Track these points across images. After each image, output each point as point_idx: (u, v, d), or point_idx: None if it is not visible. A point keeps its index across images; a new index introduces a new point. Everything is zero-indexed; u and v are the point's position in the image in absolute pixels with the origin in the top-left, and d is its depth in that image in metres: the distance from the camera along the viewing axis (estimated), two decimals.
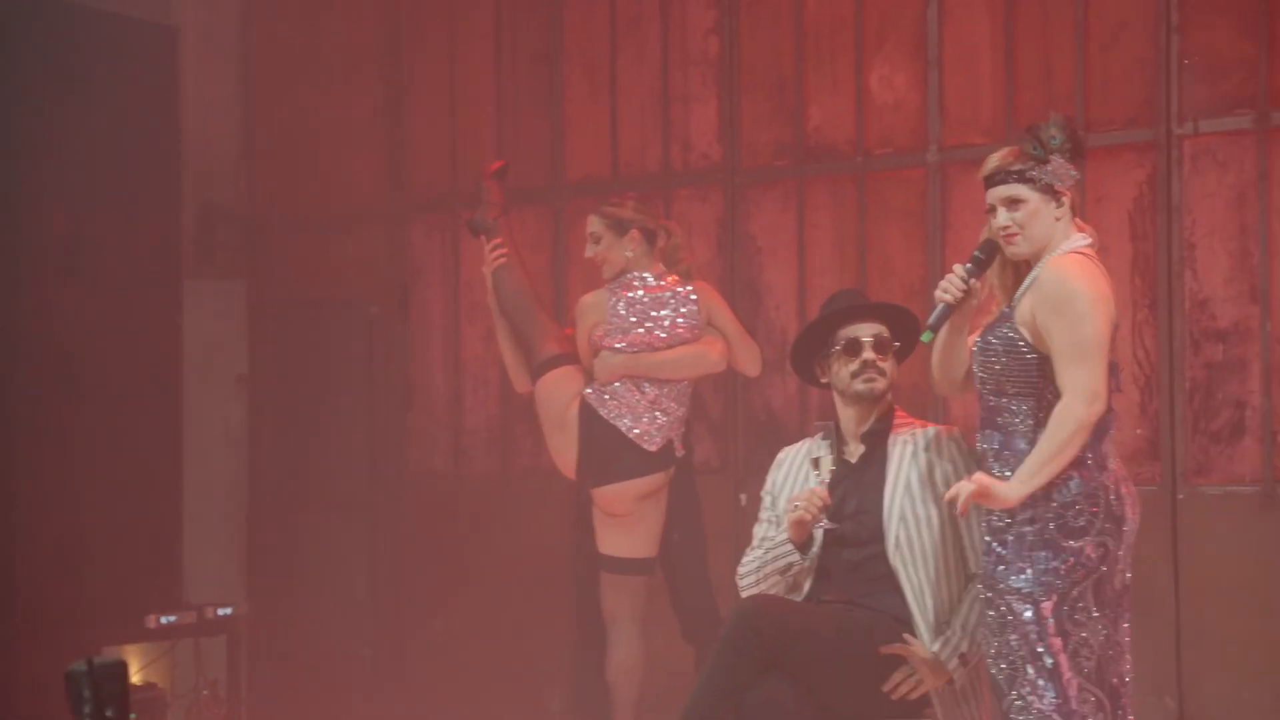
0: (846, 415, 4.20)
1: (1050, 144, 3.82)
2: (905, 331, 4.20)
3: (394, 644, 7.06)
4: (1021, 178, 3.83)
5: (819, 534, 4.04)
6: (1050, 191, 3.82)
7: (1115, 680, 3.81)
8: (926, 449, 4.10)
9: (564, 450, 5.41)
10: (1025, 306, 3.81)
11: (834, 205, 6.10)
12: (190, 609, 6.23)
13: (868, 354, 4.16)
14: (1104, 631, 3.77)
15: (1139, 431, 5.44)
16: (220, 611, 6.32)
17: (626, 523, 5.30)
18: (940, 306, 3.89)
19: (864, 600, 4.03)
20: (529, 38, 6.78)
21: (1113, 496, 3.79)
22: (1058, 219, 3.84)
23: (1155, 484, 5.39)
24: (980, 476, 3.75)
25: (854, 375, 4.15)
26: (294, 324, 7.39)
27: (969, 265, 3.90)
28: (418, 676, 6.91)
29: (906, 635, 3.95)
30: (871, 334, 4.18)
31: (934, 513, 4.02)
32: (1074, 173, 3.85)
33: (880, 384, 4.15)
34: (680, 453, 5.39)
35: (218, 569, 7.22)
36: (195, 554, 7.04)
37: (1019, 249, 3.86)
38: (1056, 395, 3.73)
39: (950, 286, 3.88)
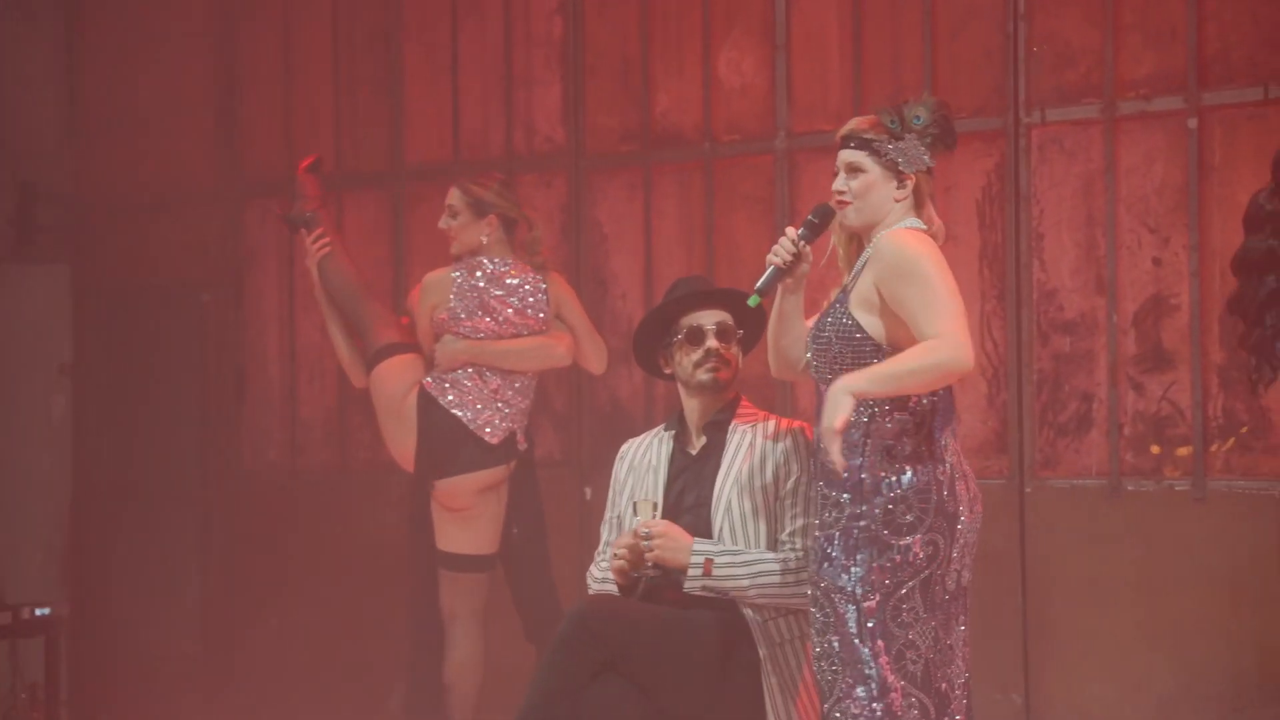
0: (690, 406, 4.06)
1: (911, 122, 3.66)
2: (750, 320, 4.06)
3: (224, 643, 6.80)
4: (868, 147, 3.66)
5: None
6: (894, 169, 3.65)
7: (944, 685, 3.63)
8: (763, 441, 3.96)
9: (401, 442, 5.21)
10: (864, 285, 3.65)
11: (681, 192, 5.96)
12: (5, 609, 5.92)
13: (711, 342, 4.02)
14: (933, 634, 3.60)
15: (987, 424, 5.38)
16: (38, 612, 6.01)
17: (466, 517, 5.12)
18: (770, 270, 3.71)
19: (705, 599, 3.89)
20: (368, 15, 6.56)
21: (945, 493, 3.60)
22: (897, 200, 3.67)
23: (1003, 477, 5.33)
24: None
25: (697, 365, 4.01)
26: (122, 310, 7.10)
27: (801, 229, 3.74)
28: (249, 676, 6.66)
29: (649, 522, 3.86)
30: (715, 322, 4.04)
31: (761, 505, 3.89)
32: (926, 158, 3.67)
33: (724, 373, 4.01)
34: (522, 446, 5.22)
35: (39, 567, 6.90)
36: (14, 552, 6.73)
37: (848, 218, 3.69)
38: None
39: (781, 250, 3.70)
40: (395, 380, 5.22)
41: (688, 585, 3.82)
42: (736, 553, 3.83)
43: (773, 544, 3.87)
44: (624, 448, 4.16)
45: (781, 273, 3.71)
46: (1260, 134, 4.85)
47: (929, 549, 3.58)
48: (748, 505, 3.88)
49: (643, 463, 4.04)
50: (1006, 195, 5.32)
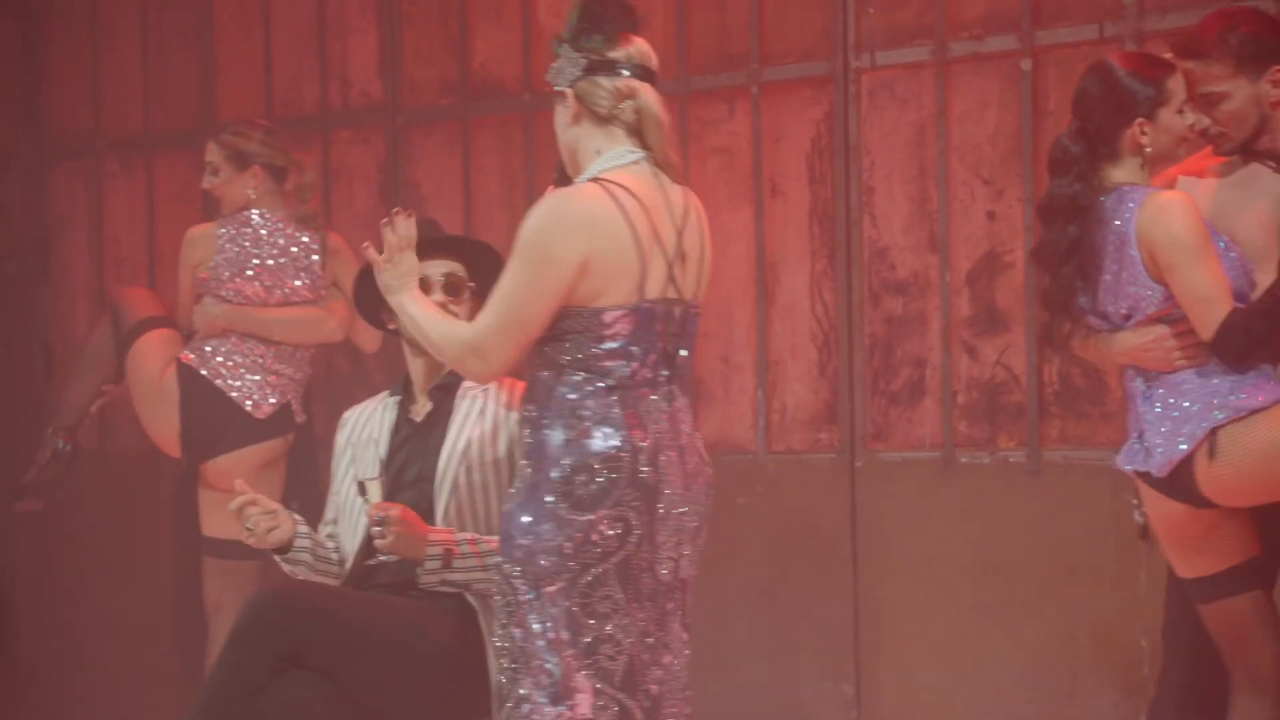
0: (415, 367, 3.65)
1: (564, 33, 3.17)
2: (485, 270, 3.64)
3: None
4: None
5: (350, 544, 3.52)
6: (559, 94, 3.18)
7: (655, 686, 3.15)
8: (496, 407, 3.55)
9: (163, 424, 4.79)
10: None
11: (501, 148, 5.56)
12: None
13: (437, 295, 3.60)
14: (641, 628, 3.12)
15: (817, 394, 5.00)
16: None
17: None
18: None
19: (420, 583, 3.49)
20: None
21: (644, 466, 3.12)
22: (571, 123, 3.18)
23: (833, 451, 4.95)
24: None
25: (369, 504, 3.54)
26: None
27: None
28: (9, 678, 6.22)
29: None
30: (442, 273, 3.62)
31: (491, 479, 3.48)
32: (583, 60, 3.11)
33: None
34: (300, 419, 4.81)
35: None
36: None
37: (566, 163, 3.27)
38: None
39: None
40: (153, 356, 4.81)
41: (423, 580, 3.41)
42: (479, 541, 3.41)
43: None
44: (345, 415, 3.75)
45: None
46: None
47: (618, 526, 3.10)
48: (476, 480, 3.47)
49: (363, 433, 3.62)
50: (836, 146, 4.94)
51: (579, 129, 3.19)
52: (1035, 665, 4.61)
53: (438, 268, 3.62)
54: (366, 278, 3.67)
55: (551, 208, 3.14)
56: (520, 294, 3.07)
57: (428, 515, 3.48)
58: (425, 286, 3.55)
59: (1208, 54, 3.39)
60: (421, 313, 3.20)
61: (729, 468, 5.05)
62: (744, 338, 5.10)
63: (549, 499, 3.06)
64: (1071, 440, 4.59)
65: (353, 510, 3.56)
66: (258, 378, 4.74)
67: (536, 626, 3.06)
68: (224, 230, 4.82)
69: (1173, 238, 3.32)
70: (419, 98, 5.67)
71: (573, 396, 3.13)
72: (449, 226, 5.58)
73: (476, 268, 3.62)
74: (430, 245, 3.62)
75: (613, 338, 3.13)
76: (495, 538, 3.33)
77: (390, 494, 3.53)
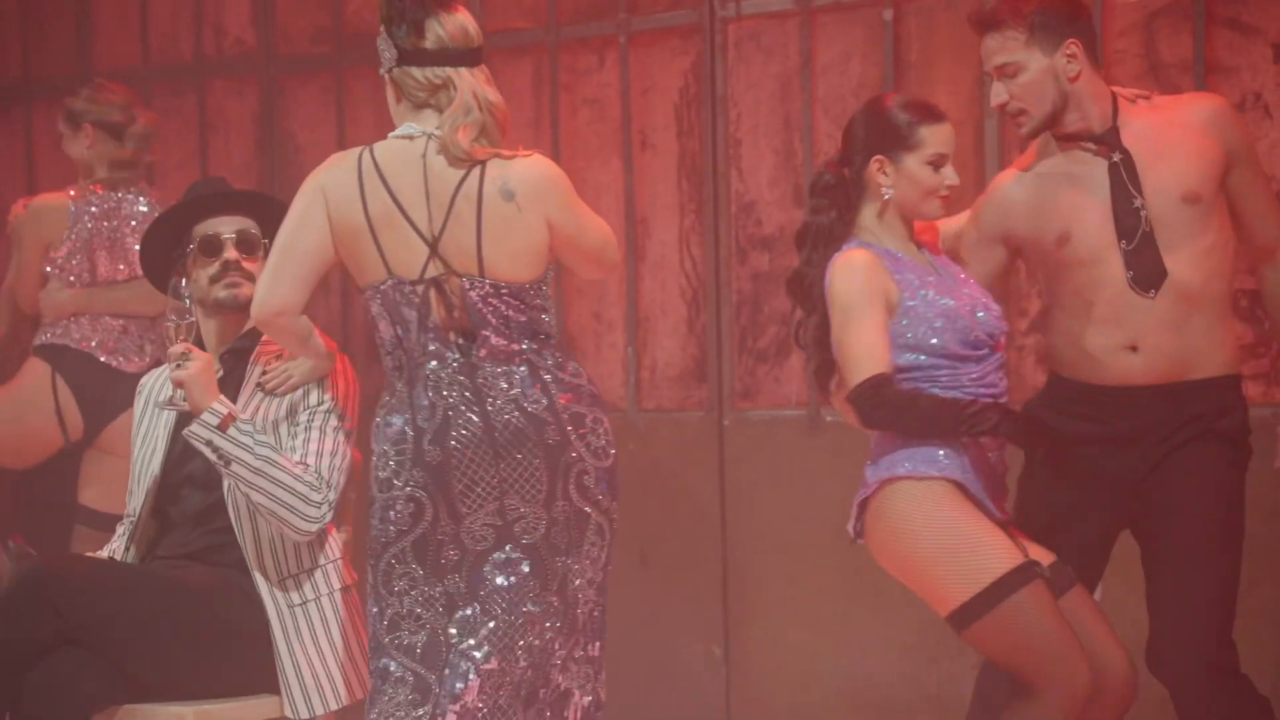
0: (208, 329, 3.54)
1: (380, 17, 3.25)
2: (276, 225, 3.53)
3: None
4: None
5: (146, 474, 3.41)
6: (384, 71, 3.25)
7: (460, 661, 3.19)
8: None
9: (35, 421, 4.67)
10: None
11: (376, 98, 5.38)
12: None
13: (229, 253, 3.50)
14: (445, 601, 3.18)
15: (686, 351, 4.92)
16: None
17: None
18: None
19: (206, 556, 3.40)
20: None
21: (428, 443, 3.18)
22: (395, 104, 3.27)
23: (702, 409, 4.87)
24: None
25: (213, 280, 3.49)
26: None
27: None
28: None
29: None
30: (235, 230, 3.52)
31: (275, 441, 3.38)
32: (394, 50, 3.20)
33: (245, 289, 3.48)
34: None
35: None
36: None
37: None
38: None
39: None
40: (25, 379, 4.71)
41: (194, 429, 3.28)
42: (259, 438, 3.29)
43: None
44: (143, 380, 3.64)
45: None
46: (957, 26, 4.35)
47: (410, 506, 3.17)
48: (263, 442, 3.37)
49: (159, 398, 3.52)
50: (704, 98, 4.83)
51: (400, 108, 3.29)
52: (899, 626, 4.55)
53: (231, 224, 3.51)
54: (150, 239, 3.58)
55: (312, 173, 3.29)
56: (285, 238, 3.21)
57: (216, 487, 3.38)
58: (215, 245, 3.48)
59: (1002, 24, 3.28)
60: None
61: None
62: (615, 293, 5.01)
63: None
64: None
65: (149, 466, 3.47)
66: (127, 342, 4.65)
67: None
68: (74, 208, 4.70)
69: (833, 298, 3.27)
70: (293, 46, 5.55)
71: (384, 369, 3.29)
72: None
73: (270, 224, 3.50)
74: (218, 201, 3.53)
75: (379, 317, 3.23)
76: (270, 441, 3.34)
77: (179, 465, 3.44)
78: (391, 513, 3.17)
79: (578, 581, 3.29)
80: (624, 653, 4.93)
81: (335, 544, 3.43)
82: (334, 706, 3.35)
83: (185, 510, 3.41)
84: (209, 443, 3.26)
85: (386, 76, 3.28)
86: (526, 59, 5.12)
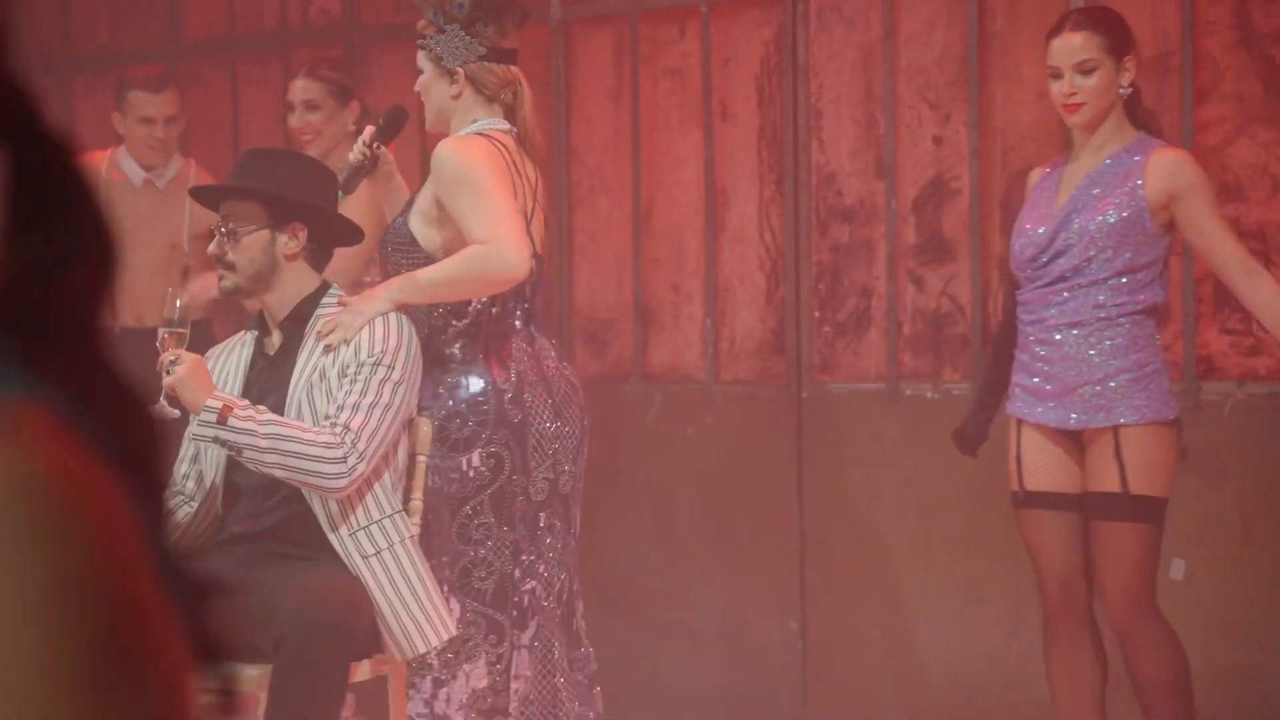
0: (268, 301, 3.53)
1: (455, 13, 3.51)
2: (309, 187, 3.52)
3: None
4: (421, 45, 3.59)
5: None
6: (443, 66, 3.55)
7: (523, 598, 3.56)
8: None
9: None
10: (425, 197, 3.56)
11: None
12: None
13: (213, 247, 3.44)
14: (512, 548, 3.52)
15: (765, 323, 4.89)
16: None
17: None
18: (350, 169, 3.63)
19: (272, 529, 3.39)
20: None
21: (508, 403, 3.48)
22: (454, 97, 3.55)
23: (780, 381, 4.85)
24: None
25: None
26: None
27: (376, 130, 3.63)
28: None
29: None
30: (222, 217, 3.45)
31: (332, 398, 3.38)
32: (480, 48, 3.50)
33: (228, 281, 3.45)
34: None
35: None
36: None
37: (427, 119, 3.68)
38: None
39: (355, 150, 3.61)
40: None
41: (196, 430, 3.28)
42: (269, 417, 3.28)
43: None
44: (208, 353, 3.65)
45: (362, 170, 3.60)
46: None
47: (491, 462, 3.49)
48: (319, 402, 3.37)
49: (222, 371, 3.53)
50: (785, 68, 4.79)
51: (460, 102, 3.57)
52: (978, 601, 4.52)
53: (224, 211, 3.47)
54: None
55: (468, 142, 3.50)
56: (500, 190, 3.40)
57: None
58: (211, 235, 3.50)
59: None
60: (426, 275, 3.43)
61: (677, 397, 4.97)
62: (694, 265, 4.99)
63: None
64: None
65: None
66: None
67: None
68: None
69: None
70: (377, 15, 5.56)
71: (446, 337, 3.54)
72: (408, 149, 5.51)
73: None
74: (225, 191, 3.52)
75: None
76: (293, 420, 3.33)
77: None
78: (471, 470, 3.45)
79: (575, 528, 3.70)
80: (699, 626, 4.94)
81: (395, 497, 3.42)
82: (436, 642, 3.37)
83: (254, 479, 3.41)
84: (215, 438, 3.26)
85: (460, 70, 3.54)
86: (607, 29, 5.11)
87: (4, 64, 0.93)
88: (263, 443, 3.24)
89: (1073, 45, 3.58)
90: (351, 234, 3.51)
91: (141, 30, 6.05)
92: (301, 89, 4.70)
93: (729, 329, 4.94)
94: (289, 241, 3.44)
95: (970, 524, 4.52)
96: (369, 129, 3.64)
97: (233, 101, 5.85)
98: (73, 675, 0.81)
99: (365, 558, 3.34)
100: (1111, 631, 3.66)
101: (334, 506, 3.33)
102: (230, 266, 3.41)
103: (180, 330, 3.37)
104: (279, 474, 3.26)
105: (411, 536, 3.42)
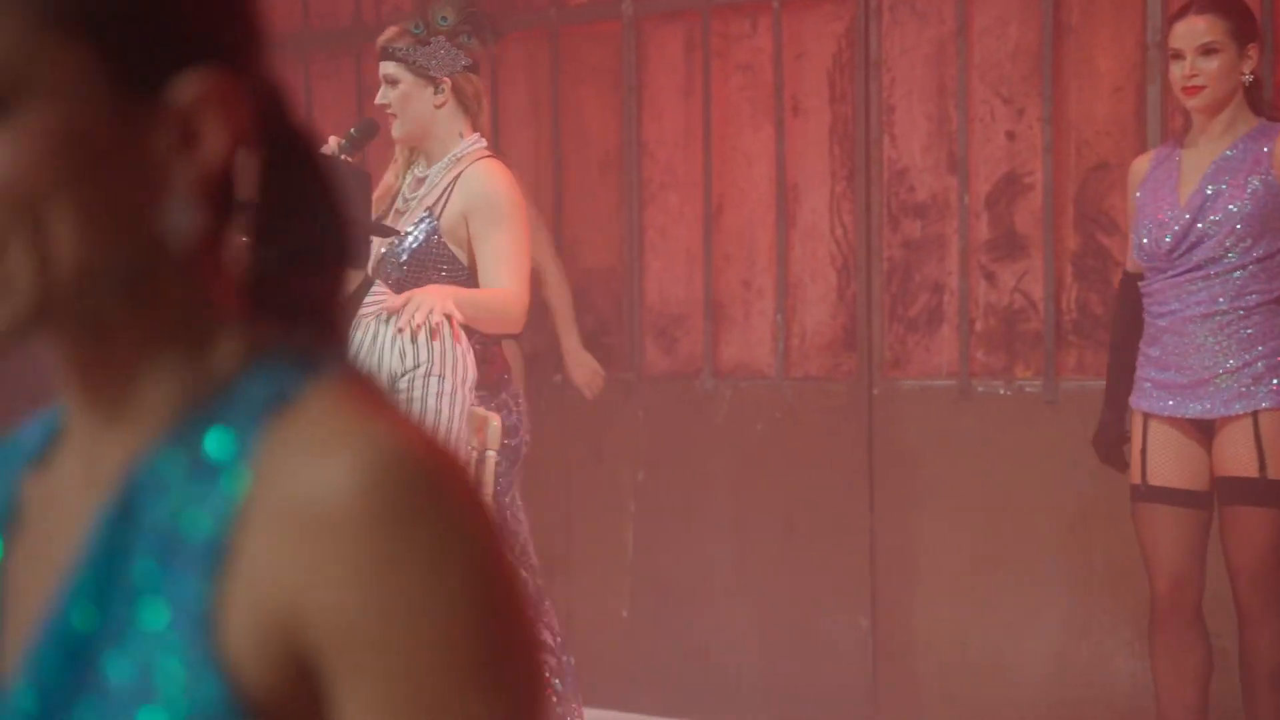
0: None
1: (437, 23, 3.61)
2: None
3: None
4: (397, 57, 3.65)
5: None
6: (427, 76, 3.64)
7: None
8: (386, 336, 3.42)
9: None
10: (454, 216, 3.63)
11: (529, 65, 5.46)
12: None
13: None
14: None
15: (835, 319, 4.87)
16: None
17: None
18: None
19: None
20: None
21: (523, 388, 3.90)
22: (438, 106, 3.66)
23: (851, 378, 4.83)
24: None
25: None
26: None
27: (344, 142, 3.63)
28: None
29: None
30: None
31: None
32: (464, 60, 3.64)
33: None
34: None
35: None
36: None
37: (397, 131, 3.74)
38: None
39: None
40: None
41: None
42: None
43: None
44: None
45: None
46: None
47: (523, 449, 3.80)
48: None
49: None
50: (857, 63, 4.77)
51: (444, 111, 3.70)
52: (1049, 600, 4.48)
53: None
54: None
55: (505, 173, 3.71)
56: (524, 235, 3.62)
57: None
58: None
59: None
60: (481, 299, 3.55)
61: (747, 393, 4.96)
62: (765, 260, 4.98)
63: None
64: (1089, 370, 4.43)
65: None
66: None
67: None
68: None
69: None
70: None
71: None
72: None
73: None
74: None
75: None
76: None
77: None
78: (516, 455, 3.69)
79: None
80: (769, 622, 4.93)
81: None
82: None
83: None
84: None
85: (446, 80, 3.68)
86: (678, 25, 5.11)
87: (260, 63, 0.98)
88: None
89: (1197, 28, 3.58)
90: (385, 231, 3.57)
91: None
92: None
93: (799, 325, 4.93)
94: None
95: (1042, 522, 4.48)
96: (332, 139, 3.62)
97: (306, 97, 5.89)
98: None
99: None
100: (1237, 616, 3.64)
101: None
102: None
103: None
104: None
105: None
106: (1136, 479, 3.74)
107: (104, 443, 0.95)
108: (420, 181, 3.76)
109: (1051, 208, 4.44)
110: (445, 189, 3.64)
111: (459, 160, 3.70)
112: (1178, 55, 3.61)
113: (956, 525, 4.63)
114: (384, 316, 3.42)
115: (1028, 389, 4.52)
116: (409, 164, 3.79)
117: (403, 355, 3.34)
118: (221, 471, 0.90)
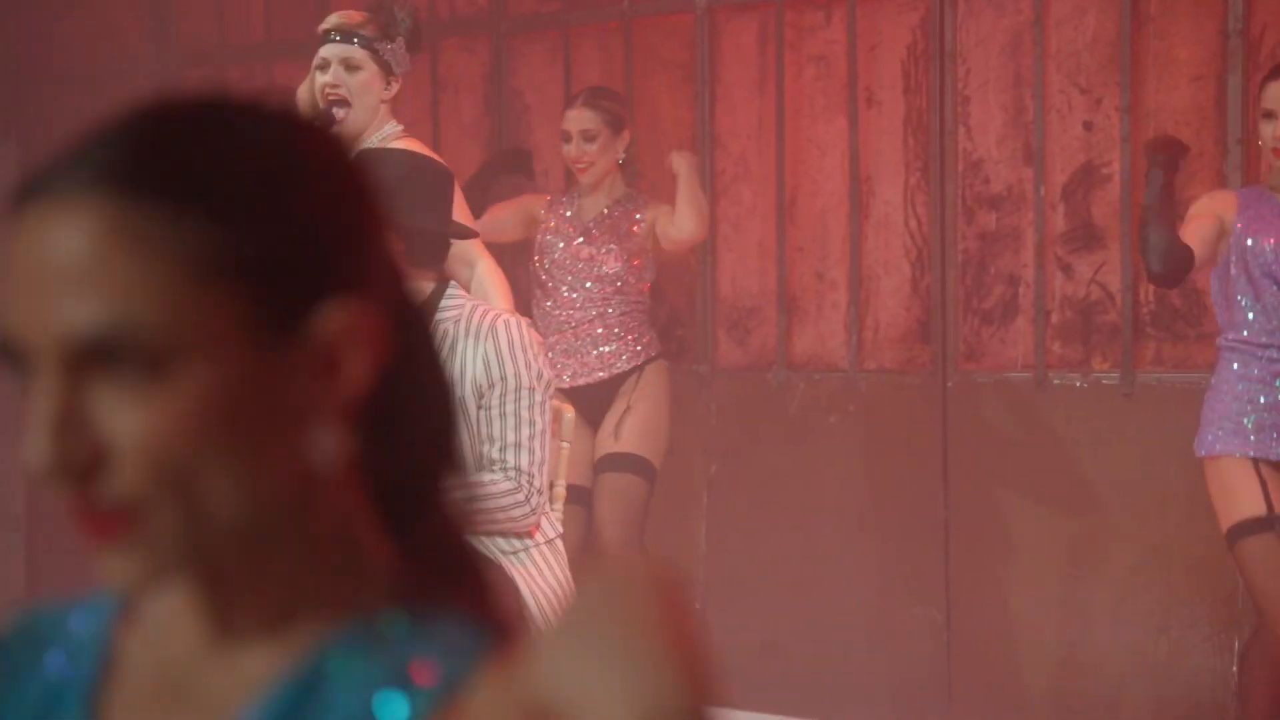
0: None
1: (398, 28, 3.73)
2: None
3: None
4: (367, 45, 3.69)
5: None
6: (387, 70, 3.73)
7: None
8: (465, 340, 3.36)
9: None
10: None
11: (603, 58, 5.46)
12: None
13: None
14: None
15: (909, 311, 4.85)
16: None
17: None
18: None
19: None
20: None
21: None
22: (384, 101, 3.75)
23: (925, 370, 4.80)
24: None
25: None
26: None
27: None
28: None
29: None
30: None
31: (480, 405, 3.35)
32: (408, 64, 3.80)
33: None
34: None
35: None
36: None
37: (346, 117, 3.70)
38: None
39: None
40: None
41: None
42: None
43: (477, 463, 3.33)
44: None
45: None
46: None
47: None
48: (481, 404, 3.35)
49: None
50: (932, 54, 4.74)
51: (384, 107, 3.78)
52: (1127, 595, 4.44)
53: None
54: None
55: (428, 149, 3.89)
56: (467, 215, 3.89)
57: None
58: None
59: None
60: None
61: (820, 386, 4.94)
62: (838, 253, 4.96)
63: None
64: (1167, 362, 4.39)
65: None
66: None
67: None
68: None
69: None
70: (523, 4, 5.59)
71: None
72: (550, 136, 5.55)
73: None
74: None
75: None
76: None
77: None
78: None
79: None
80: (842, 616, 4.91)
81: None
82: None
83: None
84: None
85: (399, 79, 3.81)
86: (752, 16, 5.10)
87: (389, 281, 1.01)
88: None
89: None
90: (465, 232, 3.53)
91: (293, 22, 6.14)
92: (577, 119, 4.67)
93: (873, 317, 4.91)
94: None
95: (1119, 516, 4.44)
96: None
97: None
98: None
99: (512, 554, 3.35)
100: None
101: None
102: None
103: None
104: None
105: (549, 540, 3.40)
106: (1261, 511, 3.67)
107: (217, 659, 0.95)
108: None
109: (1129, 199, 4.39)
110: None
111: (385, 140, 3.78)
112: (1270, 115, 3.68)
113: (1032, 519, 4.60)
114: (463, 325, 3.36)
115: (1104, 381, 4.48)
116: None
117: (488, 366, 3.28)
118: None
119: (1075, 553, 4.52)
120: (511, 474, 3.23)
